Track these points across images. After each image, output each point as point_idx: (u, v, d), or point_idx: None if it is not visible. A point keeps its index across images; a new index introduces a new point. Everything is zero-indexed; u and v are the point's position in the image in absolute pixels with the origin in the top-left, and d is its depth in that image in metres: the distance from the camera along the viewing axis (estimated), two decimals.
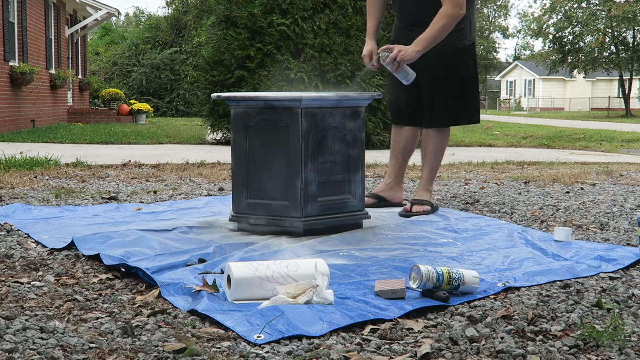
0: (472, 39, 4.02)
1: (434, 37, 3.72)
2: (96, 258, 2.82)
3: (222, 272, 2.53)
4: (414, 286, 2.39)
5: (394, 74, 3.78)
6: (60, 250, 3.00)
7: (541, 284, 2.57)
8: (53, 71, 16.86)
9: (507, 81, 63.28)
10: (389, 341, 1.98)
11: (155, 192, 4.80)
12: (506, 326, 2.09)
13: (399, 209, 4.03)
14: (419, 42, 3.70)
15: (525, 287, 2.53)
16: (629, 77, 40.04)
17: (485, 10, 69.56)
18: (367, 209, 3.69)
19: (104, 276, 2.59)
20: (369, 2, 4.13)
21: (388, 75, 4.06)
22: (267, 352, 1.87)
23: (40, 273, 2.62)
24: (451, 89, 4.00)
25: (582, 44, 39.39)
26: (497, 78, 66.55)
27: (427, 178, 4.07)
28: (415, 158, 4.52)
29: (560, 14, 38.93)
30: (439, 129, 4.05)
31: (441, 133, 4.07)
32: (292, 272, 2.32)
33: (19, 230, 3.40)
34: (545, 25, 39.75)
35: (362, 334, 2.02)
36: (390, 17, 7.78)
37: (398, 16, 4.11)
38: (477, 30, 4.22)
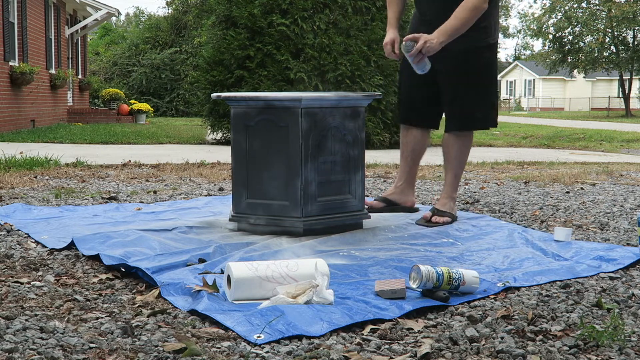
0: (495, 39, 3.83)
1: (457, 27, 3.50)
2: (96, 258, 2.82)
3: (222, 272, 2.53)
4: (414, 286, 2.39)
5: (412, 63, 3.56)
6: (60, 250, 3.00)
7: (541, 284, 2.57)
8: (53, 71, 16.86)
9: (507, 81, 63.26)
10: (389, 341, 1.98)
11: (155, 192, 4.80)
12: (506, 326, 2.09)
13: (411, 214, 3.89)
14: (442, 32, 3.49)
15: (525, 287, 2.53)
16: (629, 77, 40.02)
17: None
18: (375, 213, 3.66)
19: (104, 276, 2.59)
20: None
21: (401, 71, 3.89)
22: (267, 352, 1.87)
23: (40, 273, 2.62)
24: (475, 88, 3.78)
25: (582, 44, 39.37)
26: (497, 78, 66.52)
27: (451, 185, 3.81)
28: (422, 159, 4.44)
29: (560, 14, 38.91)
30: (462, 133, 3.82)
31: (465, 137, 3.83)
32: (292, 272, 2.32)
33: (19, 230, 3.40)
34: (545, 25, 39.74)
35: (362, 334, 2.02)
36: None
37: (420, 9, 3.88)
38: (499, 32, 4.05)
